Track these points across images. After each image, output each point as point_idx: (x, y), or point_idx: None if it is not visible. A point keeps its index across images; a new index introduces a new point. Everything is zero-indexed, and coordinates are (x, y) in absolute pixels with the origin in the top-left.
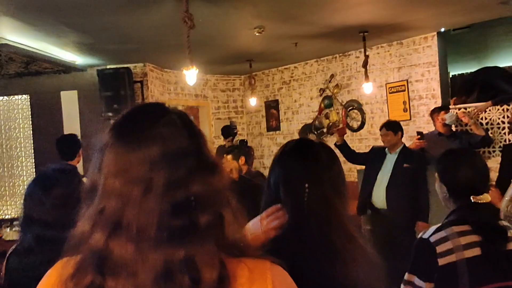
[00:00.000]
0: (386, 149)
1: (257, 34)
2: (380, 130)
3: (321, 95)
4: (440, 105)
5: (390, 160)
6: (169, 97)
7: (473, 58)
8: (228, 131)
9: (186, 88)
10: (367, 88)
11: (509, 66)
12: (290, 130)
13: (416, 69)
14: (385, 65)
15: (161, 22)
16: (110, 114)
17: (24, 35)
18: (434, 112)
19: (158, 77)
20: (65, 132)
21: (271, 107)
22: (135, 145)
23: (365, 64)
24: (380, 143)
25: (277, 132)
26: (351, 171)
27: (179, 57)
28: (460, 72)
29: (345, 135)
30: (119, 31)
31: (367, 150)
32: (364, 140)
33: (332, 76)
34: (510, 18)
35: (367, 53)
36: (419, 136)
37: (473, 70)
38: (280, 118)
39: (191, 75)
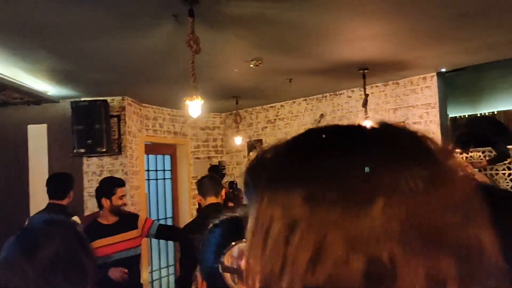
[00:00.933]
0: None
1: (253, 66)
2: None
3: None
4: None
5: None
6: (146, 134)
7: (467, 101)
8: (217, 171)
9: (164, 125)
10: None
11: (504, 111)
12: None
13: (414, 110)
14: (379, 106)
15: (155, 48)
16: (82, 150)
17: None
18: None
19: (136, 112)
20: (30, 170)
21: (254, 147)
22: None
23: (365, 103)
24: None
25: None
26: None
27: (162, 90)
28: (455, 115)
29: None
30: (103, 57)
31: None
32: None
33: (321, 115)
34: (504, 61)
35: (366, 92)
36: None
37: (467, 113)
38: None
39: (195, 106)
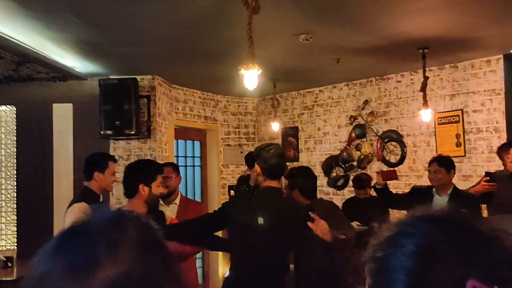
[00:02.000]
0: (434, 189)
1: (302, 41)
2: (430, 165)
3: (351, 123)
4: (505, 140)
5: (440, 204)
6: (176, 117)
7: None
8: (247, 182)
9: (195, 109)
10: (426, 116)
11: None
12: (310, 161)
13: (475, 97)
14: (434, 92)
15: (198, 13)
16: (109, 132)
17: (16, 23)
18: (504, 150)
19: (166, 93)
20: (55, 151)
21: (289, 134)
22: None
23: (423, 87)
24: (422, 182)
25: (295, 163)
26: None
27: (194, 69)
28: None
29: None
30: (138, 26)
31: (407, 189)
32: (403, 178)
33: (366, 102)
34: None
35: (426, 74)
36: (488, 178)
37: None
38: (299, 148)
39: (251, 76)
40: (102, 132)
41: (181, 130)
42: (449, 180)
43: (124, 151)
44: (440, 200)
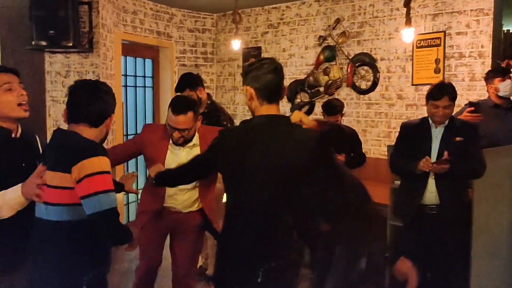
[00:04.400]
0: (430, 120)
1: None
2: (436, 98)
3: (320, 44)
4: (490, 67)
5: (436, 136)
6: (124, 30)
7: None
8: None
9: (146, 22)
10: (407, 36)
11: None
12: None
13: (460, 17)
14: (414, 10)
15: None
16: (43, 42)
17: None
18: (489, 77)
19: (111, 1)
20: None
21: (251, 55)
22: None
23: (408, 1)
24: (394, 111)
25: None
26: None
27: None
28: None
29: None
30: None
31: (377, 118)
32: (374, 106)
33: (337, 20)
34: None
35: None
36: (472, 108)
37: None
38: None
39: None
40: (33, 43)
41: (130, 46)
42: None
43: (62, 66)
44: (437, 132)
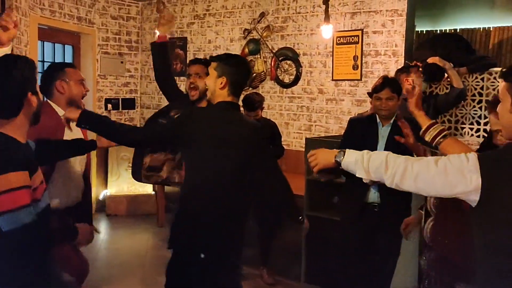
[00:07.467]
0: (377, 118)
1: None
2: (378, 91)
3: (245, 37)
4: (402, 65)
5: (382, 135)
6: (41, 14)
7: (428, 15)
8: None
9: (65, 7)
10: (326, 32)
11: (467, 29)
12: None
13: (376, 17)
14: (334, 8)
15: None
16: None
17: None
18: (402, 72)
19: None
20: None
21: (177, 46)
22: None
23: (326, 0)
24: (315, 105)
25: (181, 78)
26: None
27: None
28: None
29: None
30: None
31: (298, 111)
32: (296, 99)
33: (262, 14)
34: None
35: None
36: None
37: (427, 28)
38: (188, 61)
39: None
40: None
41: (48, 31)
42: (397, 107)
43: None
44: (383, 131)
